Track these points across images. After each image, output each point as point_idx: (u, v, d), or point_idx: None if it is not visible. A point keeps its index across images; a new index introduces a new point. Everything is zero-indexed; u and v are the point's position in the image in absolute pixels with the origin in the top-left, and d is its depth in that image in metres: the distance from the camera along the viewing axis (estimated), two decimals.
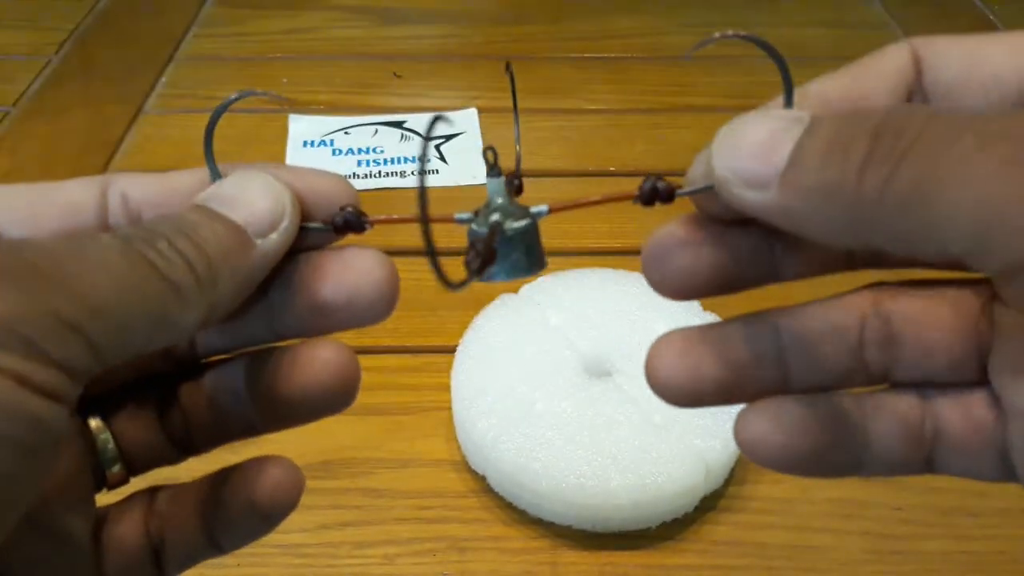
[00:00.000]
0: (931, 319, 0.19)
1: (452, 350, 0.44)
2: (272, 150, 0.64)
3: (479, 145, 0.65)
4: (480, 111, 0.68)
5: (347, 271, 0.19)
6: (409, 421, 0.45)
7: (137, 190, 0.20)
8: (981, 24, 0.81)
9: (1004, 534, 0.40)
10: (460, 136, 0.66)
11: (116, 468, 0.21)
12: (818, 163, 0.16)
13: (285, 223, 0.19)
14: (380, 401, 0.45)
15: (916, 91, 0.19)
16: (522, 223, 0.19)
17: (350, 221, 0.19)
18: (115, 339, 0.15)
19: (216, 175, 0.19)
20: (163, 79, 0.72)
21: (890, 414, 0.19)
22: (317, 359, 0.20)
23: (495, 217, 0.19)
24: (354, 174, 0.62)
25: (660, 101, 0.71)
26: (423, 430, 0.44)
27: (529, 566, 0.39)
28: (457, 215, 0.19)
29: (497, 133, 0.66)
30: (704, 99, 0.71)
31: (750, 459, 0.20)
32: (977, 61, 0.18)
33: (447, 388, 0.43)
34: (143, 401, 0.21)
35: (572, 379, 0.42)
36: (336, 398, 0.20)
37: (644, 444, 0.39)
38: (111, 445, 0.21)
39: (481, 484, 0.41)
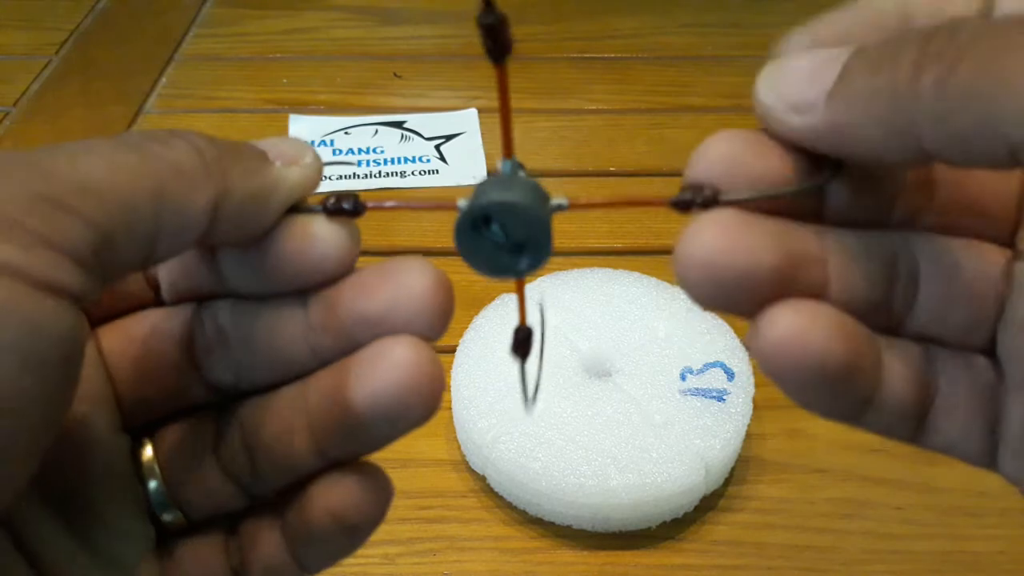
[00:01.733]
0: (958, 266, 0.18)
1: (452, 350, 0.44)
2: None
3: (479, 145, 0.65)
4: (480, 111, 0.68)
5: (386, 282, 0.18)
6: None
7: None
8: None
9: (1004, 534, 0.40)
10: (460, 136, 0.66)
11: (169, 516, 0.20)
12: (868, 72, 0.16)
13: (308, 159, 0.18)
14: None
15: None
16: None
17: (345, 207, 0.18)
18: (116, 216, 0.15)
19: None
20: (163, 79, 0.72)
21: (903, 354, 0.18)
22: (388, 358, 0.17)
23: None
24: (354, 174, 0.62)
25: (660, 101, 0.71)
26: (423, 430, 0.43)
27: (529, 566, 0.39)
28: (460, 202, 0.19)
29: (497, 133, 0.66)
30: (704, 99, 0.71)
31: (769, 367, 0.17)
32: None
33: (447, 388, 0.43)
34: (194, 434, 0.20)
35: (572, 379, 0.42)
36: (412, 408, 0.17)
37: (644, 444, 0.39)
38: (159, 485, 0.19)
39: (481, 484, 0.41)
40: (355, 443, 0.18)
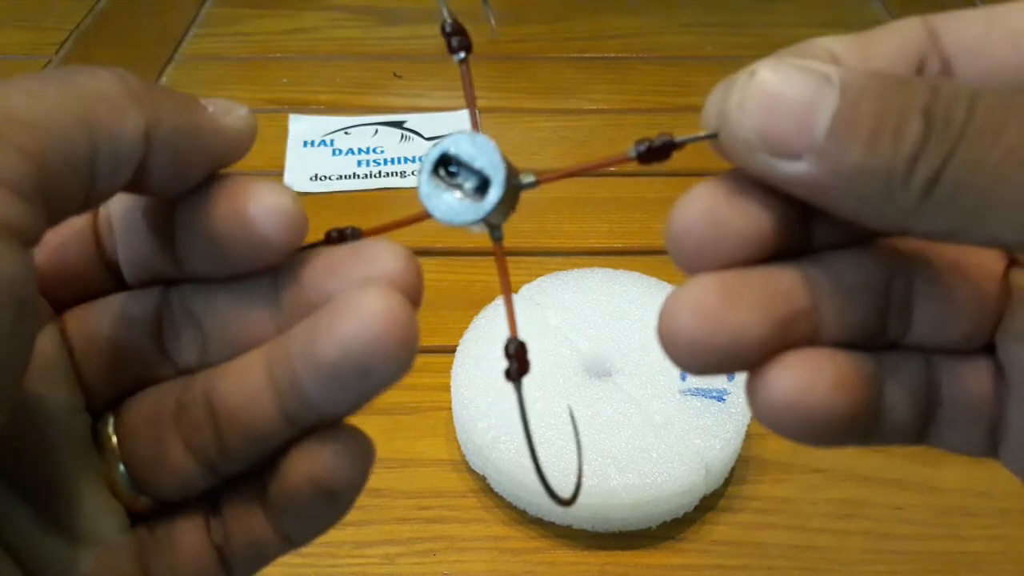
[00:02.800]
0: (954, 283, 0.17)
1: (452, 350, 0.44)
2: (272, 150, 0.64)
3: None
4: (480, 111, 0.68)
5: (356, 262, 0.18)
6: (409, 421, 0.45)
7: None
8: None
9: (1004, 534, 0.40)
10: None
11: (136, 495, 0.19)
12: (864, 143, 0.15)
13: (241, 112, 0.18)
14: (380, 401, 0.44)
15: (931, 54, 0.17)
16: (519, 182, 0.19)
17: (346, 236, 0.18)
18: (48, 144, 0.14)
19: None
20: (163, 79, 0.72)
21: (903, 375, 0.18)
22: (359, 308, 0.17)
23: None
24: (354, 174, 0.62)
25: (660, 101, 0.71)
26: (423, 430, 0.44)
27: (529, 566, 0.39)
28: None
29: (497, 133, 0.66)
30: (704, 99, 0.71)
31: (772, 425, 0.17)
32: (997, 20, 0.17)
33: (447, 388, 0.43)
34: (155, 410, 0.19)
35: (572, 379, 0.42)
36: (385, 357, 0.16)
37: (644, 444, 0.39)
38: (122, 469, 0.19)
39: (481, 484, 0.41)
40: (325, 401, 0.17)
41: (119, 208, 0.19)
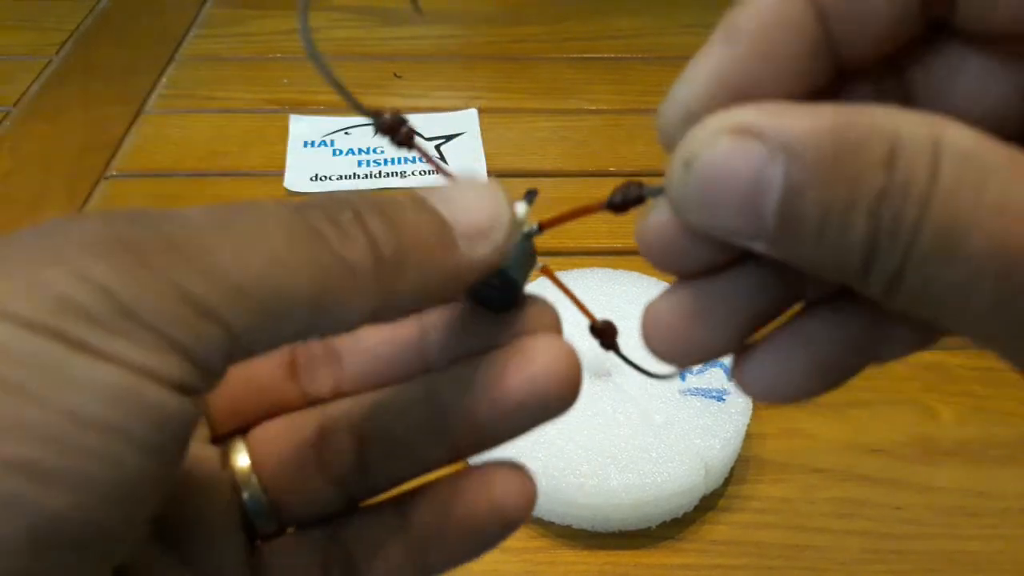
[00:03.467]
0: None
1: None
2: (273, 150, 0.64)
3: (479, 145, 0.65)
4: (480, 111, 0.68)
5: (529, 366, 0.18)
6: None
7: None
8: None
9: (1004, 534, 0.40)
10: (460, 136, 0.66)
11: (265, 522, 0.19)
12: (813, 238, 0.13)
13: (499, 236, 0.16)
14: None
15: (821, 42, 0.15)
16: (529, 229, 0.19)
17: (392, 127, 0.17)
18: (260, 325, 0.13)
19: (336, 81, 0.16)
20: (163, 79, 0.72)
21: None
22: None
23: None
24: (354, 174, 0.62)
25: (660, 101, 0.70)
26: None
27: (529, 566, 0.39)
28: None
29: (497, 133, 0.66)
30: None
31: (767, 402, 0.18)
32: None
33: None
34: (293, 436, 0.19)
35: None
36: (565, 393, 0.18)
37: (644, 444, 0.39)
38: (257, 493, 0.18)
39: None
40: (497, 431, 0.18)
41: None
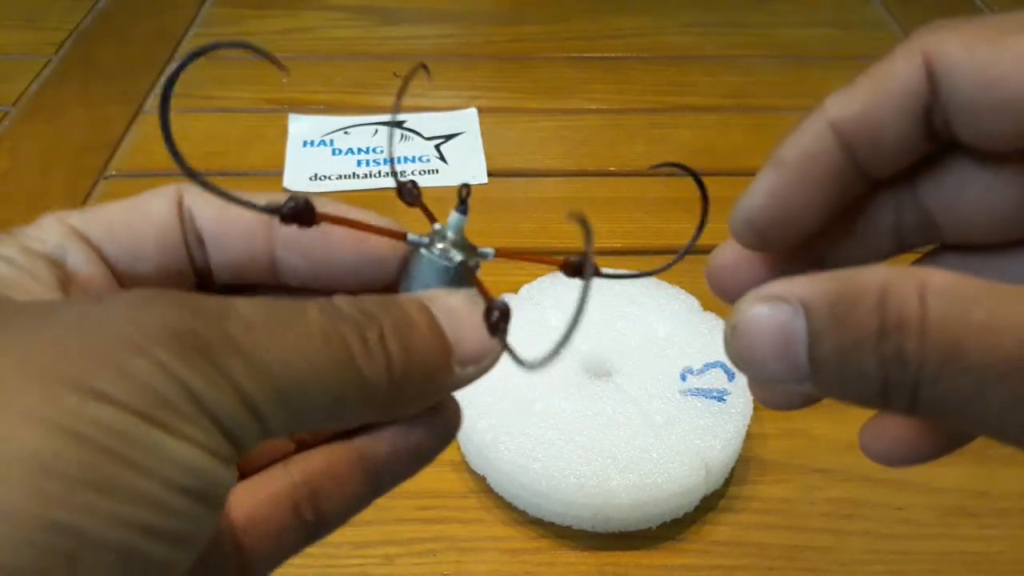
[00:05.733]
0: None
1: None
2: (272, 150, 0.64)
3: (479, 145, 0.65)
4: (480, 111, 0.68)
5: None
6: None
7: (201, 209, 0.20)
8: None
9: (1004, 534, 0.40)
10: (460, 136, 0.66)
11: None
12: (838, 379, 0.16)
13: (488, 364, 0.19)
14: None
15: (934, 107, 0.19)
16: (474, 261, 0.20)
17: (298, 213, 0.17)
18: (287, 422, 0.16)
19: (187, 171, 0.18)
20: (163, 79, 0.72)
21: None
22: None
23: (457, 256, 0.19)
24: (354, 174, 0.62)
25: (660, 101, 0.71)
26: None
27: (529, 566, 0.39)
28: (410, 236, 0.19)
29: (497, 133, 0.66)
30: (704, 99, 0.71)
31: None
32: (991, 81, 0.17)
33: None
34: None
35: (572, 379, 0.42)
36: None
37: (644, 444, 0.39)
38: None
39: (481, 484, 0.41)
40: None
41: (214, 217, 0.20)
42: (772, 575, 0.39)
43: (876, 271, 0.16)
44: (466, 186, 0.19)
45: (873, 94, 0.19)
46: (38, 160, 0.63)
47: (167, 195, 0.20)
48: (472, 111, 0.68)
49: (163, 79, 0.72)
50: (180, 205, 0.20)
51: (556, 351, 0.18)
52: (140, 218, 0.19)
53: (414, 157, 0.63)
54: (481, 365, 0.19)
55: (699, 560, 0.39)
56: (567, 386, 0.41)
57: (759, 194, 0.20)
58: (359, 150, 0.64)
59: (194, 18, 0.81)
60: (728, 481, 0.41)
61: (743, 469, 0.42)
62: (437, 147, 0.65)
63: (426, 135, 0.66)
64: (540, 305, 0.46)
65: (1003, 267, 0.20)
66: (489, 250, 0.20)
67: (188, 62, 0.16)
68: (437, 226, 0.20)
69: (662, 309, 0.45)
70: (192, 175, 0.17)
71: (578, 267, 0.20)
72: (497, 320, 0.18)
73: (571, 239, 0.55)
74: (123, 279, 0.19)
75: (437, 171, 0.62)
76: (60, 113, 0.68)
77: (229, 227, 0.19)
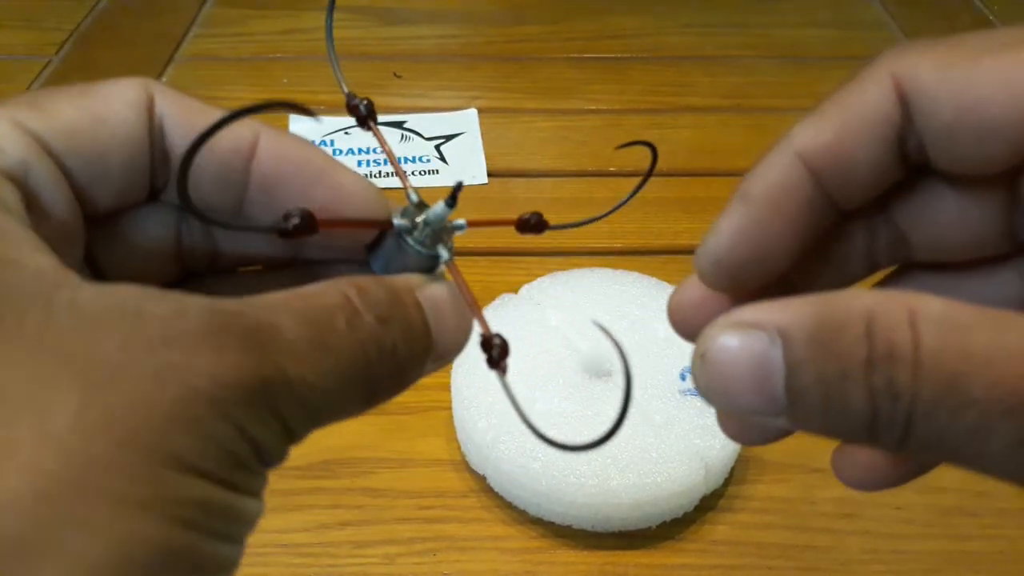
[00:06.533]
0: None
1: None
2: None
3: (479, 145, 0.65)
4: (480, 111, 0.68)
5: None
6: (409, 421, 0.45)
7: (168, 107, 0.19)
8: (980, 24, 0.81)
9: (1004, 534, 0.40)
10: (460, 136, 0.66)
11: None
12: (819, 412, 0.15)
13: (451, 360, 0.19)
14: None
15: (907, 134, 0.18)
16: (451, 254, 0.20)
17: (300, 227, 0.17)
18: (307, 427, 0.16)
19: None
20: (163, 79, 0.72)
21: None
22: None
23: (444, 253, 0.19)
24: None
25: (660, 101, 0.71)
26: (423, 430, 0.44)
27: (529, 566, 0.39)
28: (396, 222, 0.19)
29: (497, 133, 0.66)
30: (704, 99, 0.71)
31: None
32: (968, 105, 0.17)
33: (447, 388, 0.43)
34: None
35: (572, 379, 0.42)
36: None
37: (644, 444, 0.39)
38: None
39: (481, 484, 0.41)
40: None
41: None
42: (772, 575, 0.39)
43: (859, 296, 0.15)
44: (460, 184, 0.19)
45: (843, 123, 0.18)
46: None
47: (135, 99, 0.18)
48: (472, 111, 0.68)
49: (161, 79, 0.72)
50: (151, 114, 0.18)
51: (597, 443, 0.17)
52: (107, 131, 0.17)
53: (414, 157, 0.63)
54: (447, 360, 0.18)
55: (699, 560, 0.39)
56: (567, 386, 0.41)
57: (726, 233, 0.19)
58: (360, 150, 0.64)
59: (194, 19, 0.81)
60: (728, 481, 0.41)
61: (742, 469, 0.42)
62: (437, 147, 0.65)
63: (426, 135, 0.66)
64: (540, 305, 0.46)
65: (975, 285, 0.20)
66: (462, 221, 0.20)
67: (222, 125, 0.15)
68: (413, 197, 0.19)
69: (662, 309, 0.45)
70: (201, 216, 0.16)
71: (528, 223, 0.20)
72: (498, 356, 0.18)
73: (571, 239, 0.55)
74: (81, 199, 0.17)
75: (437, 171, 0.62)
76: None
77: (203, 156, 0.17)
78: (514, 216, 0.20)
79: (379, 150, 0.64)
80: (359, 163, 0.63)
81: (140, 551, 0.12)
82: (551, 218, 0.21)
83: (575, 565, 0.39)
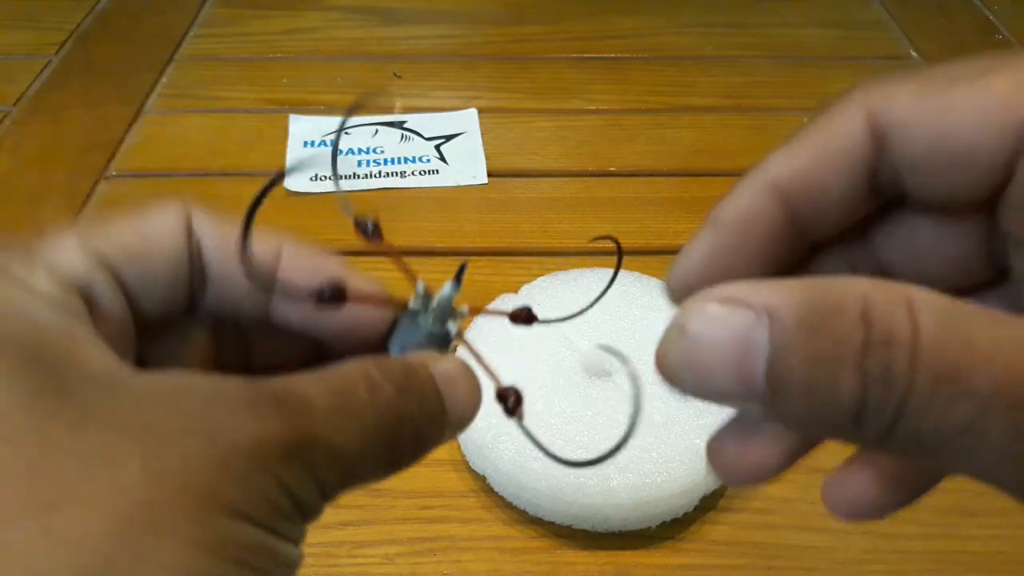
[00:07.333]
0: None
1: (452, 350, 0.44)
2: (273, 150, 0.64)
3: (479, 145, 0.65)
4: (480, 111, 0.68)
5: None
6: None
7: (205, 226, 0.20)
8: (981, 24, 0.81)
9: (1004, 534, 0.40)
10: (460, 136, 0.66)
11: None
12: (803, 397, 0.14)
13: (466, 428, 0.20)
14: None
15: (880, 165, 0.18)
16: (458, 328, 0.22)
17: (335, 295, 0.19)
18: (338, 485, 0.17)
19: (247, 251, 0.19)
20: (163, 79, 0.72)
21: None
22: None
23: (452, 328, 0.21)
24: (354, 174, 0.62)
25: (660, 101, 0.71)
26: None
27: (529, 566, 0.39)
28: (410, 304, 0.21)
29: (497, 133, 0.66)
30: (704, 99, 0.71)
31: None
32: (944, 134, 0.17)
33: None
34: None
35: (572, 379, 0.42)
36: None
37: (644, 444, 0.39)
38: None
39: (481, 484, 0.41)
40: None
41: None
42: (772, 574, 0.39)
43: (854, 281, 0.15)
44: (464, 265, 0.21)
45: (814, 154, 0.18)
46: (39, 160, 0.63)
47: (177, 222, 0.20)
48: (472, 111, 0.68)
49: (161, 79, 0.72)
50: (189, 232, 0.20)
51: (603, 457, 0.18)
52: (155, 248, 0.19)
53: (414, 157, 0.63)
54: (461, 428, 0.20)
55: (699, 560, 0.39)
56: (567, 386, 0.41)
57: (696, 257, 0.19)
58: (360, 150, 0.64)
59: (194, 18, 0.81)
60: None
61: None
62: (437, 147, 0.65)
63: (426, 135, 0.66)
64: (540, 305, 0.46)
65: None
66: (464, 308, 0.22)
67: (271, 186, 0.17)
68: (420, 287, 0.21)
69: (662, 309, 0.45)
70: (261, 284, 0.18)
71: (520, 316, 0.22)
72: (514, 404, 0.19)
73: (571, 239, 0.55)
74: (133, 307, 0.19)
75: (437, 171, 0.62)
76: (61, 113, 0.68)
77: (234, 269, 0.19)
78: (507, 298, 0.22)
79: (379, 150, 0.64)
80: (359, 163, 0.63)
81: None
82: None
83: (575, 565, 0.39)
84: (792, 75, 0.73)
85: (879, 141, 0.17)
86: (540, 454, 0.39)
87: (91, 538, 0.13)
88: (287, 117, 0.67)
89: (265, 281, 0.19)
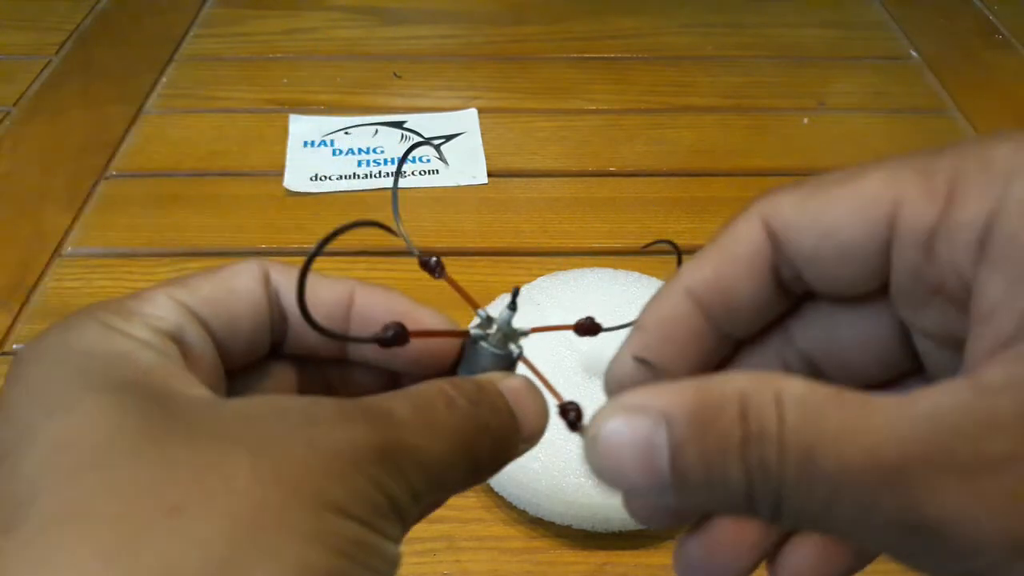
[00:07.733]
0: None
1: None
2: (273, 150, 0.64)
3: (479, 145, 0.65)
4: (480, 111, 0.68)
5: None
6: None
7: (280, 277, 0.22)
8: (981, 24, 0.81)
9: None
10: (460, 136, 0.66)
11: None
12: (703, 488, 0.16)
13: (536, 442, 0.22)
14: None
15: (781, 264, 0.20)
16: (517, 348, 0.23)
17: (396, 338, 0.20)
18: (426, 489, 0.18)
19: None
20: (163, 79, 0.72)
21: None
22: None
23: (515, 348, 0.23)
24: (354, 174, 0.62)
25: (660, 101, 0.71)
26: None
27: (529, 566, 0.39)
28: (472, 331, 0.22)
29: (497, 133, 0.66)
30: (704, 99, 0.71)
31: None
32: (825, 231, 0.19)
33: None
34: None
35: (572, 379, 0.42)
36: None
37: None
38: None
39: (481, 484, 0.41)
40: None
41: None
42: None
43: (735, 379, 0.16)
44: (517, 288, 0.22)
45: (722, 259, 0.20)
46: (39, 160, 0.63)
47: (256, 275, 0.22)
48: (472, 111, 0.68)
49: (161, 79, 0.72)
50: (267, 284, 0.22)
51: None
52: (237, 299, 0.21)
53: (414, 158, 0.63)
54: (533, 443, 0.21)
55: None
56: (567, 386, 0.41)
57: (625, 359, 0.21)
58: (360, 150, 0.64)
59: (194, 18, 0.81)
60: None
61: None
62: (437, 147, 0.65)
63: (426, 135, 0.66)
64: (540, 305, 0.46)
65: None
66: (527, 327, 0.23)
67: (328, 241, 0.18)
68: (482, 312, 0.22)
69: None
70: (321, 329, 0.19)
71: (584, 327, 0.24)
72: (574, 419, 0.20)
73: (571, 239, 0.55)
74: (220, 353, 0.21)
75: (437, 171, 0.62)
76: (61, 113, 0.68)
77: (314, 309, 0.20)
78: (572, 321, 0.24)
79: (378, 150, 0.64)
80: (359, 163, 0.63)
81: (314, 572, 0.15)
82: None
83: (575, 565, 0.39)
84: (792, 75, 0.73)
85: (775, 242, 0.19)
86: (540, 454, 0.40)
87: (214, 535, 0.15)
88: (287, 117, 0.67)
89: (328, 330, 0.20)
